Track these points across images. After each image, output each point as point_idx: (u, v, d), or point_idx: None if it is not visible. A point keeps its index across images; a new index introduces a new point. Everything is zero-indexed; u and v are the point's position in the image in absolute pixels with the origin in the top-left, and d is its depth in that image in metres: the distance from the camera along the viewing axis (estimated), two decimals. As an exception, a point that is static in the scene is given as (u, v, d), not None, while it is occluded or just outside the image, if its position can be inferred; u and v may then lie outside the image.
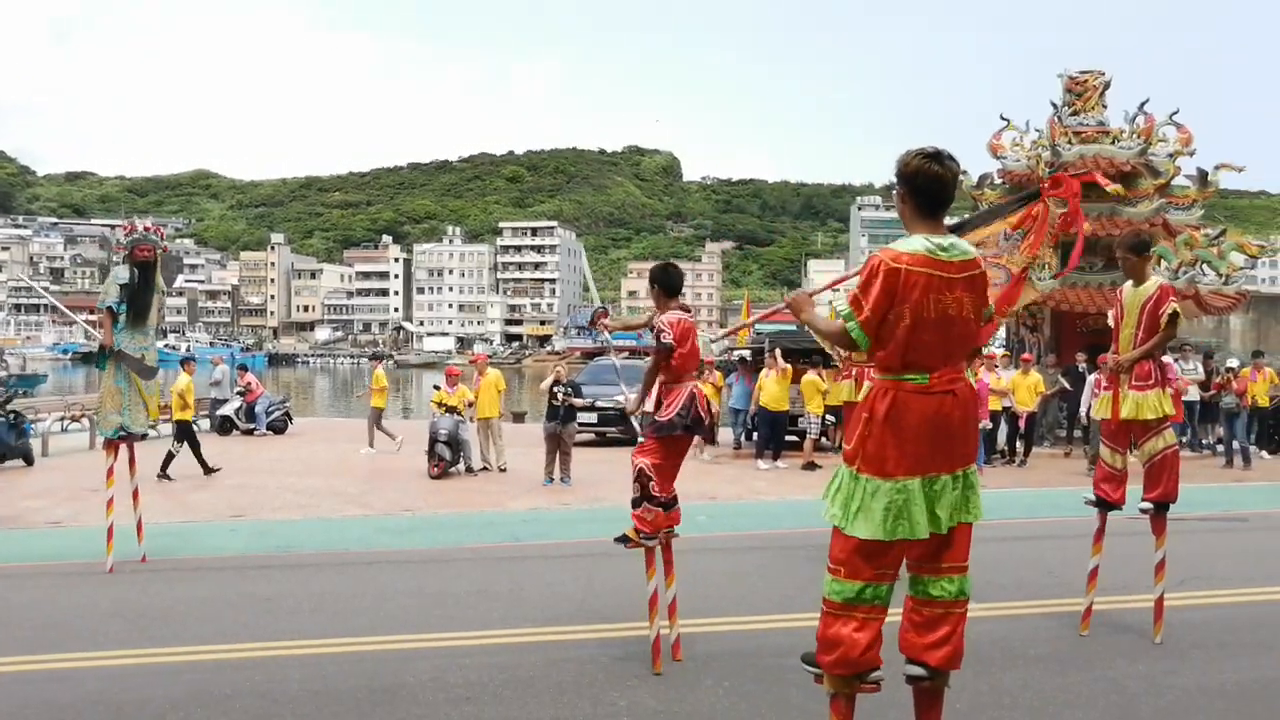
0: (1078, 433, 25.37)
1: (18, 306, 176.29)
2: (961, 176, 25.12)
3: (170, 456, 20.48)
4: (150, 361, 11.75)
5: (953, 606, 4.99)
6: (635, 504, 7.79)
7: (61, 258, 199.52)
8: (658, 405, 7.86)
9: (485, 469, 21.72)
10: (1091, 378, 21.24)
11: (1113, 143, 26.92)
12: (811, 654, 5.04)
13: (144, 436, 12.17)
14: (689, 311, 8.49)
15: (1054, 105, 28.02)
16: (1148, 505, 8.61)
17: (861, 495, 4.87)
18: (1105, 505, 8.82)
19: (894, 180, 5.07)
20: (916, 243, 4.85)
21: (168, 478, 19.91)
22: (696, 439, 8.12)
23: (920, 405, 4.83)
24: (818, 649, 4.98)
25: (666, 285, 8.15)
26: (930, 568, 4.98)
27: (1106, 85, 28.10)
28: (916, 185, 4.96)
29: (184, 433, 20.94)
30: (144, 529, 12.00)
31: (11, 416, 21.77)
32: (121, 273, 11.55)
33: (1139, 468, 8.60)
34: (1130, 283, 8.80)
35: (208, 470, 20.38)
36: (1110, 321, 9.05)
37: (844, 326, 4.91)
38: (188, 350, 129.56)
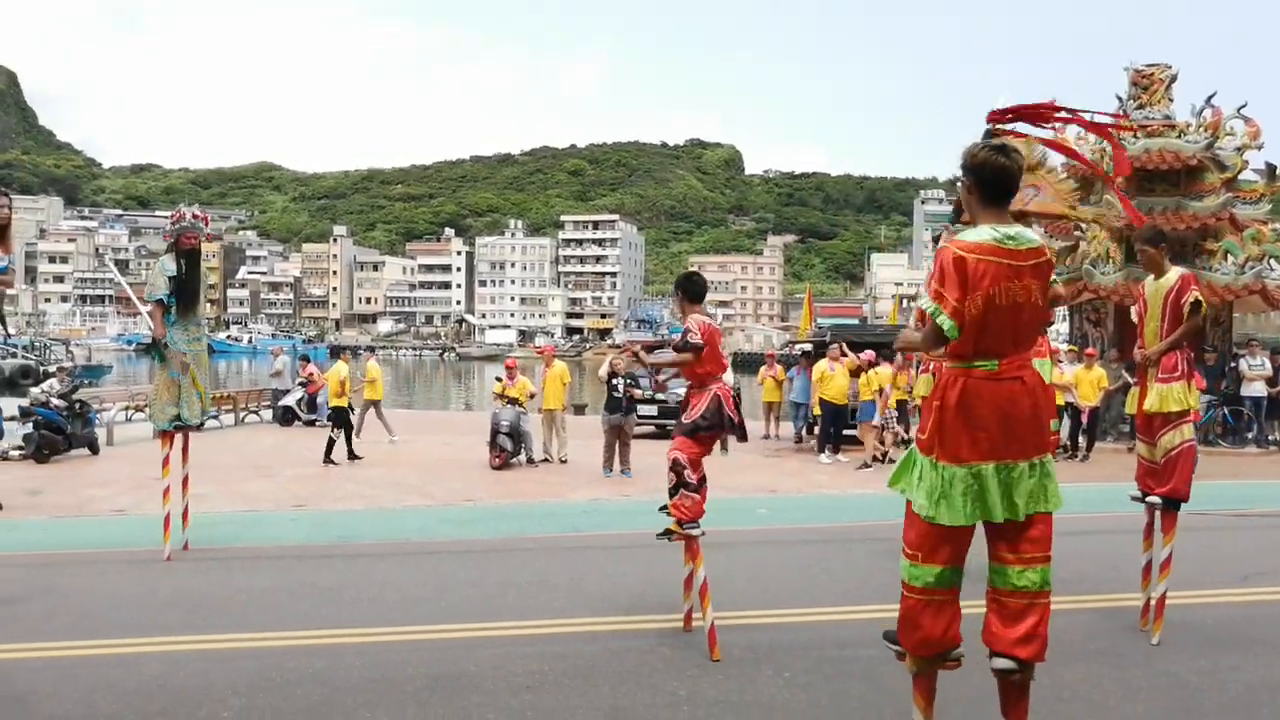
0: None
1: (83, 297, 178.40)
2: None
3: (331, 443, 21.29)
4: (197, 353, 11.84)
5: (1037, 597, 5.14)
6: (672, 493, 8.12)
7: (126, 249, 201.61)
8: (685, 408, 8.28)
9: (546, 460, 21.86)
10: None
11: (1179, 136, 26.56)
12: (893, 632, 5.20)
13: (199, 426, 12.34)
14: (712, 318, 8.85)
15: (1119, 99, 27.68)
16: (1155, 500, 8.53)
17: (942, 484, 5.01)
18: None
19: (959, 173, 5.16)
20: (983, 233, 4.98)
21: (333, 462, 21.04)
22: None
23: (991, 392, 4.96)
24: (899, 630, 5.15)
25: (691, 292, 8.57)
26: (1014, 557, 5.11)
27: (1173, 79, 27.69)
28: (983, 176, 5.09)
29: (341, 419, 21.64)
30: (199, 518, 12.20)
31: (77, 406, 22.21)
32: (168, 264, 11.59)
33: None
34: (1151, 276, 8.76)
35: (339, 454, 21.10)
36: (1134, 317, 8.99)
37: (935, 325, 5.00)
38: (250, 341, 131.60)
